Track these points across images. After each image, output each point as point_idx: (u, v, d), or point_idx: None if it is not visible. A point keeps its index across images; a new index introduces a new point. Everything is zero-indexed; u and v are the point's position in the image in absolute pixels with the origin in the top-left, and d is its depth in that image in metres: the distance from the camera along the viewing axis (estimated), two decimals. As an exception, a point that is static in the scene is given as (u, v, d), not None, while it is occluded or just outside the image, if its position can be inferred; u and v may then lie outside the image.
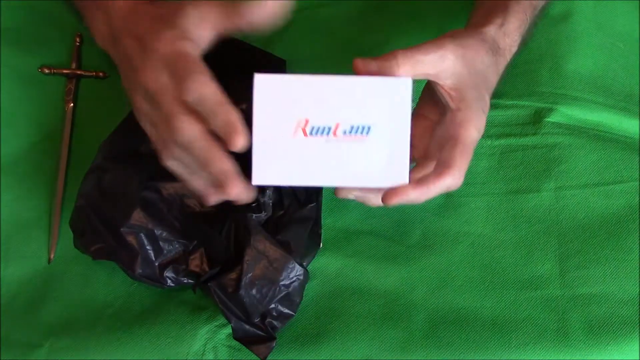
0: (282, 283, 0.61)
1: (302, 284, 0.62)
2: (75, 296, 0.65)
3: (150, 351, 0.61)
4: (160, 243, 0.62)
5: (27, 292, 0.66)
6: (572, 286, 0.63)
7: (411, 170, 0.56)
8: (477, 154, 0.64)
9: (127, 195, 0.62)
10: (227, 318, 0.60)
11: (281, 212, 0.63)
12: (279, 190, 0.64)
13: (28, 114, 0.72)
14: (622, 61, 0.73)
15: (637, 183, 0.66)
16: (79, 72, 0.74)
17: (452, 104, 0.56)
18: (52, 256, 0.67)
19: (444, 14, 0.75)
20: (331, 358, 0.61)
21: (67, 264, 0.67)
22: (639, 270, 0.63)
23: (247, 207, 0.62)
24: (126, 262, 0.62)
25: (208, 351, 0.61)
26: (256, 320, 0.61)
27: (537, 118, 0.69)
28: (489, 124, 0.58)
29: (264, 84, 0.53)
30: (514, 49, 0.62)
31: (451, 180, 0.54)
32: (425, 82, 0.59)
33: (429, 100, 0.60)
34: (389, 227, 0.67)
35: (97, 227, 0.62)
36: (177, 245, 0.63)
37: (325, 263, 0.65)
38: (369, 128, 0.54)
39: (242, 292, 0.59)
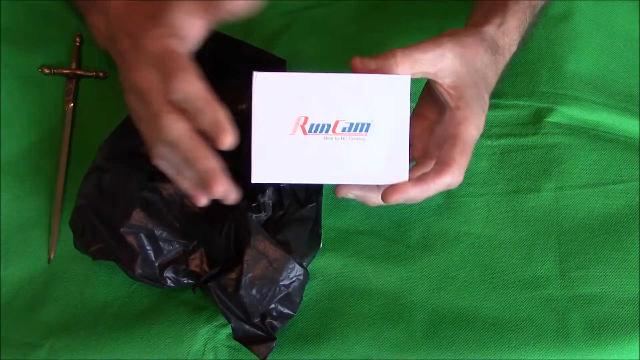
0: (282, 283, 0.61)
1: (302, 284, 0.62)
2: (75, 296, 0.65)
3: (150, 351, 0.61)
4: (160, 243, 0.62)
5: (27, 292, 0.66)
6: (572, 286, 0.63)
7: (411, 169, 0.56)
8: (477, 154, 0.64)
9: (127, 195, 0.62)
10: (227, 318, 0.60)
11: (281, 212, 0.63)
12: (279, 190, 0.64)
13: (28, 114, 0.72)
14: (622, 61, 0.73)
15: (637, 183, 0.66)
16: (79, 72, 0.74)
17: (451, 103, 0.56)
18: (52, 256, 0.67)
19: (443, 14, 0.75)
20: (331, 358, 0.61)
21: (67, 264, 0.67)
22: (639, 270, 0.63)
23: (247, 207, 0.62)
24: (126, 262, 0.62)
25: (208, 351, 0.61)
26: (256, 321, 0.61)
27: (537, 118, 0.69)
28: (489, 124, 0.59)
29: (263, 81, 0.53)
30: (514, 49, 0.62)
31: (451, 179, 0.55)
32: (425, 82, 0.59)
33: (428, 100, 0.60)
34: (389, 227, 0.67)
35: (97, 227, 0.62)
36: (177, 246, 0.63)
37: (325, 263, 0.65)
38: (368, 125, 0.54)
39: (242, 292, 0.59)
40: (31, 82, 0.73)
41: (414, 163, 0.60)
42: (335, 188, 0.58)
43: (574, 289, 0.63)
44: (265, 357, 0.60)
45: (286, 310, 0.61)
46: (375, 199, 0.58)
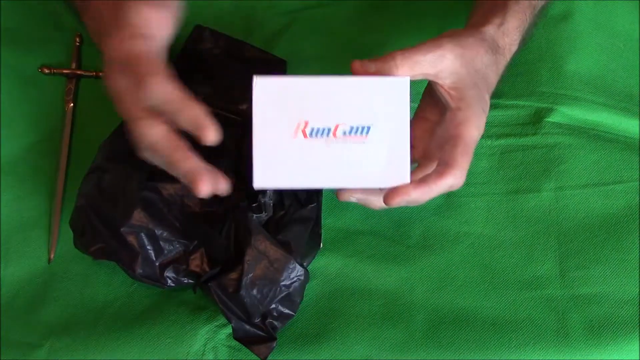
0: (282, 283, 0.61)
1: (303, 284, 0.62)
2: (75, 296, 0.65)
3: (150, 351, 0.61)
4: (161, 243, 0.62)
5: (27, 292, 0.66)
6: (572, 286, 0.63)
7: (412, 172, 0.56)
8: (477, 154, 0.64)
9: (128, 195, 0.62)
10: (227, 318, 0.60)
11: (282, 212, 0.63)
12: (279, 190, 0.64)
13: (28, 114, 0.72)
14: (622, 61, 0.73)
15: (637, 183, 0.66)
16: (79, 72, 0.74)
17: (452, 103, 0.56)
18: (52, 256, 0.67)
19: (443, 14, 0.75)
20: (331, 358, 0.61)
21: (67, 264, 0.67)
22: (639, 270, 0.63)
23: (247, 207, 0.62)
24: (126, 262, 0.62)
25: (208, 351, 0.61)
26: (257, 321, 0.61)
27: (537, 118, 0.69)
28: (489, 124, 0.58)
29: (263, 86, 0.53)
30: (514, 49, 0.62)
31: (453, 180, 0.54)
32: (427, 84, 0.59)
33: (429, 101, 0.60)
34: (389, 227, 0.67)
35: (97, 227, 0.62)
36: (177, 245, 0.63)
37: (325, 263, 0.65)
38: (368, 128, 0.54)
39: (242, 292, 0.59)
40: (31, 82, 0.73)
41: (416, 165, 0.60)
42: (337, 192, 0.58)
43: (574, 289, 0.63)
44: (266, 357, 0.60)
45: (287, 311, 0.61)
46: (377, 202, 0.58)
